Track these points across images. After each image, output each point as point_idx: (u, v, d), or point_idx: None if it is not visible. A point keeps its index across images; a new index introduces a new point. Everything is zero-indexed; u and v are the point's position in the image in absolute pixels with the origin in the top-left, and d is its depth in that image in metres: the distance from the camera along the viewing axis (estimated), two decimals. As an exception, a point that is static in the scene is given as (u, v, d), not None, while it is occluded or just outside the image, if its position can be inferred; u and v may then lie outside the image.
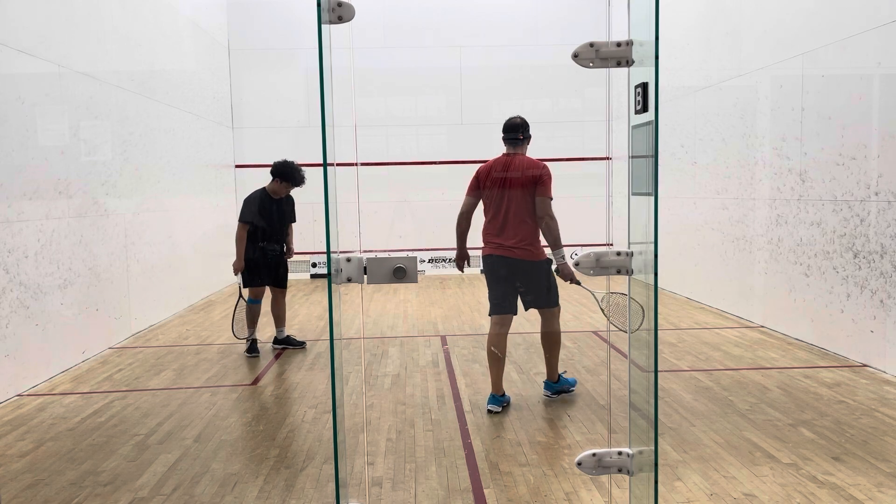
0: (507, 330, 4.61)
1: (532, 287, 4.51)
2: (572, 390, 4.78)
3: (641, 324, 4.54)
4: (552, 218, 4.36)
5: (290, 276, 11.67)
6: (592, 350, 6.16)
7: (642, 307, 4.38)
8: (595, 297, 4.65)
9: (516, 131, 4.56)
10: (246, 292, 6.15)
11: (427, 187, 11.50)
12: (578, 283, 4.48)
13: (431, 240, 11.62)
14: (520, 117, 4.64)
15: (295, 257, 11.67)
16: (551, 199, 4.40)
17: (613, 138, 11.58)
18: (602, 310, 4.99)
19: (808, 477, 3.42)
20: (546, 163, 4.48)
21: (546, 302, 4.56)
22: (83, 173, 6.17)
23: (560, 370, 4.95)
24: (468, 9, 11.63)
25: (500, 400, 4.54)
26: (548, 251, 4.51)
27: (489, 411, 4.50)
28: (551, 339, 4.63)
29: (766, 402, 4.57)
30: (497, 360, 4.54)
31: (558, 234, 4.35)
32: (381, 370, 5.65)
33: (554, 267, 4.44)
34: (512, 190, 4.42)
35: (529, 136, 4.62)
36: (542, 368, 5.56)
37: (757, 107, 6.99)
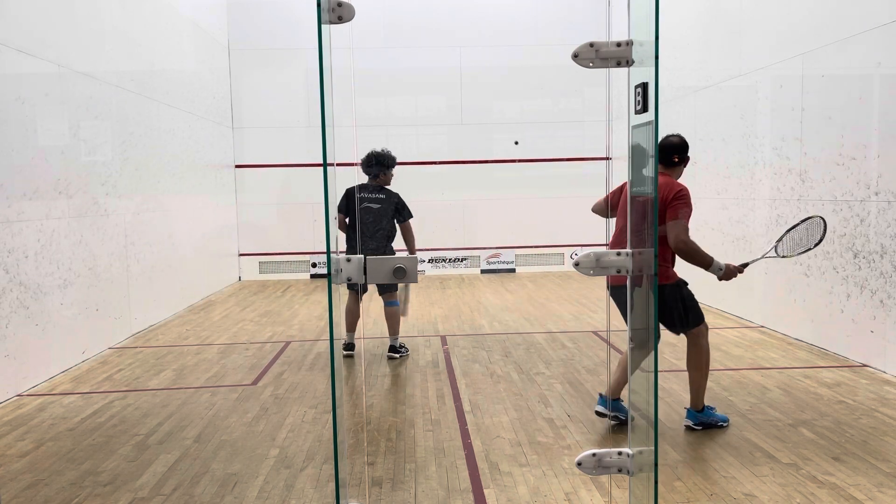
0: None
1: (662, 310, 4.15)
2: (722, 425, 4.17)
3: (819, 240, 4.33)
4: (684, 243, 3.89)
5: (291, 276, 11.77)
6: (592, 350, 6.16)
7: (822, 219, 4.20)
8: (774, 253, 4.18)
9: (664, 153, 4.13)
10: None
11: (427, 187, 11.50)
12: (745, 265, 4.09)
13: (431, 240, 11.62)
14: (678, 136, 4.18)
15: (295, 257, 11.80)
16: (682, 222, 3.94)
17: (613, 138, 11.59)
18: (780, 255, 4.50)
19: (808, 477, 3.42)
20: (683, 186, 4.04)
21: (682, 325, 4.12)
22: (83, 173, 6.17)
23: (593, 383, 4.54)
24: (468, 9, 11.63)
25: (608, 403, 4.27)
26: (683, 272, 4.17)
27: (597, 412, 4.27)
28: (690, 363, 4.17)
29: (766, 402, 4.57)
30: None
31: (700, 256, 3.92)
32: (381, 370, 5.65)
33: (720, 276, 4.01)
34: None
35: (685, 159, 4.18)
36: (543, 369, 5.57)
37: (757, 107, 6.99)
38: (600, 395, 4.33)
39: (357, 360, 5.89)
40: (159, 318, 7.91)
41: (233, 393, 5.07)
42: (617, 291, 4.07)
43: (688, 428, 4.14)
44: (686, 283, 4.12)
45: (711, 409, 4.22)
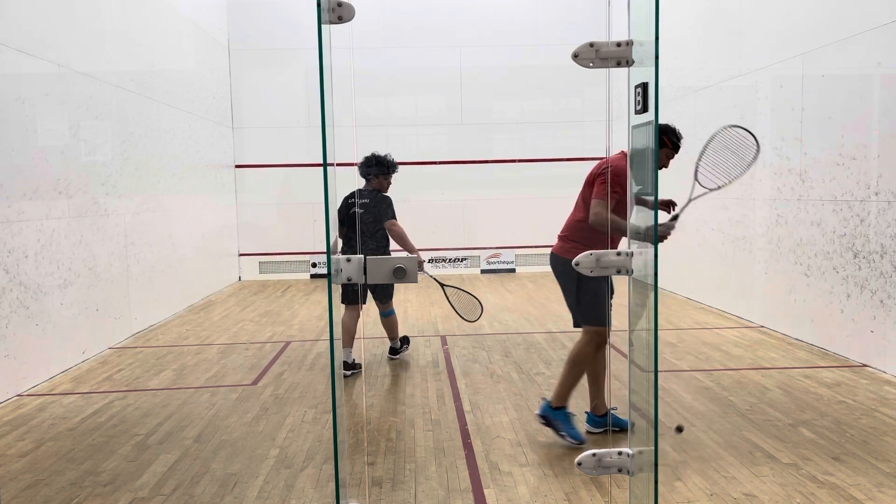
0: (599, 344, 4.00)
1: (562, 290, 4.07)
2: (563, 436, 3.88)
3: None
4: (598, 215, 3.68)
5: (291, 276, 11.77)
6: (592, 350, 6.15)
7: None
8: (703, 188, 3.94)
9: None
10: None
11: (427, 187, 11.51)
12: (676, 217, 3.78)
13: (431, 240, 11.62)
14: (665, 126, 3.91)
15: (295, 257, 11.80)
16: (602, 201, 3.69)
17: (613, 138, 11.59)
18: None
19: (808, 477, 3.42)
20: (608, 160, 3.80)
21: (580, 316, 3.98)
22: (83, 173, 6.17)
23: (613, 406, 4.16)
24: (468, 9, 11.63)
25: (598, 421, 4.09)
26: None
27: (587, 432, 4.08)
28: (569, 357, 3.99)
29: (766, 402, 4.57)
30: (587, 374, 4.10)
31: (615, 226, 3.65)
32: (381, 370, 5.65)
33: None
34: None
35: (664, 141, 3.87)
36: (543, 369, 5.56)
37: (757, 107, 6.99)
38: (587, 412, 4.15)
39: (357, 359, 5.87)
40: (159, 318, 7.91)
41: (233, 393, 5.07)
42: (556, 261, 3.97)
43: (540, 422, 3.96)
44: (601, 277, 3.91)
45: (568, 416, 3.93)
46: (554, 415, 3.91)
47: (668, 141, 3.87)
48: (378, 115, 11.64)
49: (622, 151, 3.87)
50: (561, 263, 3.96)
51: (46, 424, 4.44)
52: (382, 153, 5.66)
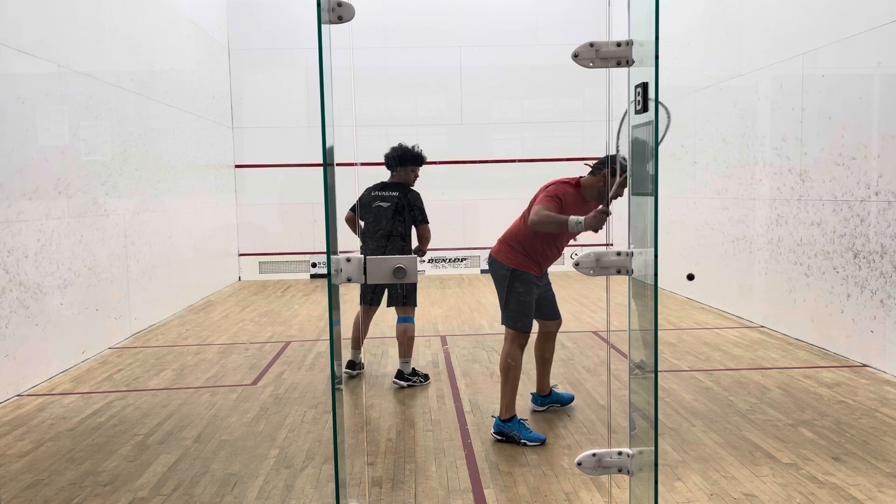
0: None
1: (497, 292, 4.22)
2: (525, 443, 3.93)
3: None
4: (536, 213, 3.80)
5: (291, 276, 11.77)
6: (592, 350, 6.16)
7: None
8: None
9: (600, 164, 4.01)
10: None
11: (427, 187, 11.44)
12: (610, 200, 3.68)
13: (431, 240, 11.60)
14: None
15: (295, 257, 11.79)
16: (538, 206, 3.86)
17: (613, 138, 11.56)
18: None
19: (808, 477, 3.42)
20: (554, 184, 4.02)
21: (503, 314, 4.13)
22: (83, 173, 6.17)
23: (553, 383, 4.60)
24: (468, 9, 11.63)
25: (541, 400, 4.54)
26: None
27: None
28: (500, 369, 4.11)
29: (766, 402, 4.57)
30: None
31: (552, 219, 3.74)
32: (381, 370, 5.65)
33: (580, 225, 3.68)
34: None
35: (599, 169, 3.97)
36: (542, 368, 5.56)
37: (757, 107, 6.99)
38: (532, 393, 4.57)
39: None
40: (159, 318, 7.91)
41: (233, 393, 5.07)
42: (492, 263, 4.15)
43: (495, 438, 4.01)
44: (524, 280, 3.98)
45: (521, 423, 3.99)
46: (508, 426, 3.98)
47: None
48: (378, 115, 11.63)
49: (577, 178, 4.07)
50: (496, 265, 4.15)
51: (46, 424, 4.44)
52: (409, 144, 5.49)
